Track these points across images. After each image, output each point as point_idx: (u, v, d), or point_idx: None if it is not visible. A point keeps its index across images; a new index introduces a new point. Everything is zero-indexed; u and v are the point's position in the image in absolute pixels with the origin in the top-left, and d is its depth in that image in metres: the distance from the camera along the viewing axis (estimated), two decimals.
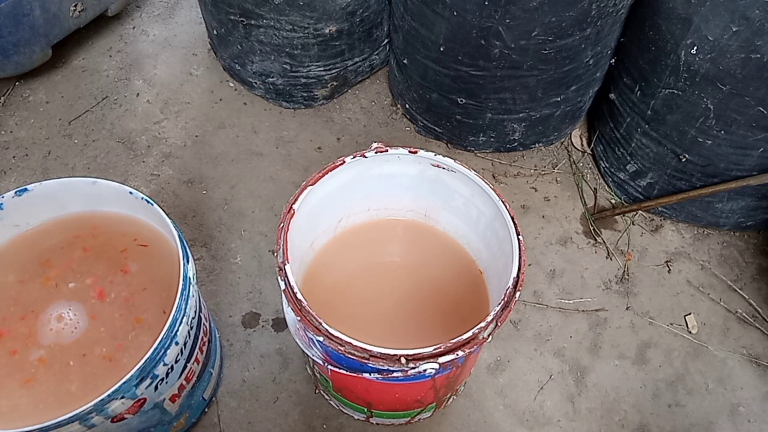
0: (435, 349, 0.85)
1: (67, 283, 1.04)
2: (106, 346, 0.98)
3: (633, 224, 1.59)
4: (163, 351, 0.89)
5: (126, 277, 1.05)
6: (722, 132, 1.34)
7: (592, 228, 1.57)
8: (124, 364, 0.96)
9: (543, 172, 1.67)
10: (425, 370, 0.86)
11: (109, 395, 0.82)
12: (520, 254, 0.95)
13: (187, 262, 0.96)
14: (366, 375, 0.91)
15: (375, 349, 0.84)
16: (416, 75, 1.59)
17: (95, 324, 1.01)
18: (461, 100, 1.55)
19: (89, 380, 0.95)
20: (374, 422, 1.25)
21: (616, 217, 1.60)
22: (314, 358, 0.96)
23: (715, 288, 1.50)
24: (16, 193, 1.01)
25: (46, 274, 1.05)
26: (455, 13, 1.35)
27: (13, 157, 1.62)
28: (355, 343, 0.85)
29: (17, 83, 1.76)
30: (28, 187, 1.01)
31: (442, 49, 1.45)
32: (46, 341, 0.99)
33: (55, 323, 1.01)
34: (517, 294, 0.91)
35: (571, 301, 1.45)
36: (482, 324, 0.87)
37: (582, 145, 1.73)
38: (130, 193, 1.01)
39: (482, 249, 1.16)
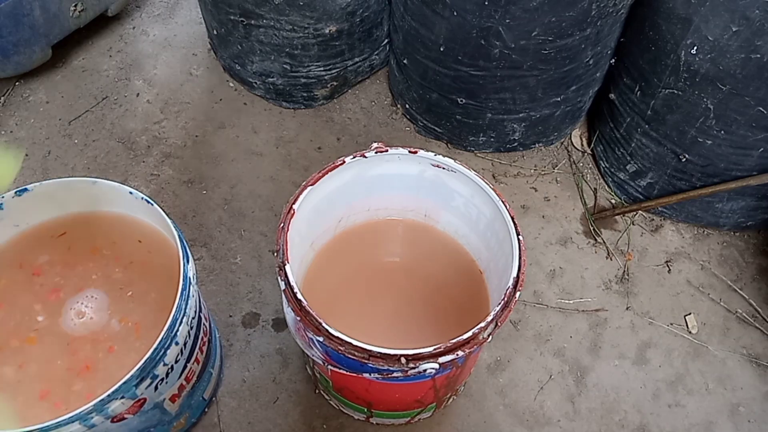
0: (435, 349, 0.85)
1: (36, 318, 1.05)
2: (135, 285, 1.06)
3: (633, 224, 1.59)
4: (163, 351, 0.89)
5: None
6: (722, 132, 1.34)
7: (592, 228, 1.57)
8: (155, 265, 1.07)
9: (543, 172, 1.67)
10: (425, 370, 0.86)
11: (109, 395, 0.82)
12: (520, 254, 0.95)
13: (187, 262, 0.96)
14: (366, 375, 0.91)
15: (375, 349, 0.84)
16: (416, 75, 1.59)
17: (110, 290, 1.06)
18: (461, 100, 1.54)
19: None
20: (374, 422, 1.25)
21: (616, 217, 1.60)
22: (314, 358, 0.96)
23: (715, 288, 1.50)
24: (16, 192, 1.01)
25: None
26: (455, 13, 1.35)
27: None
28: (355, 343, 0.85)
29: (17, 83, 1.76)
30: (28, 186, 1.01)
31: (442, 49, 1.45)
32: (111, 327, 1.03)
33: (80, 318, 1.03)
34: (517, 294, 0.91)
35: (571, 301, 1.45)
36: (482, 324, 0.87)
37: (582, 145, 1.73)
38: (130, 193, 1.01)
39: (482, 249, 1.15)
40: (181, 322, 0.92)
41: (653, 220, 1.60)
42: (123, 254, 1.09)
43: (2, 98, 1.73)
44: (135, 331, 1.02)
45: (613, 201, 1.64)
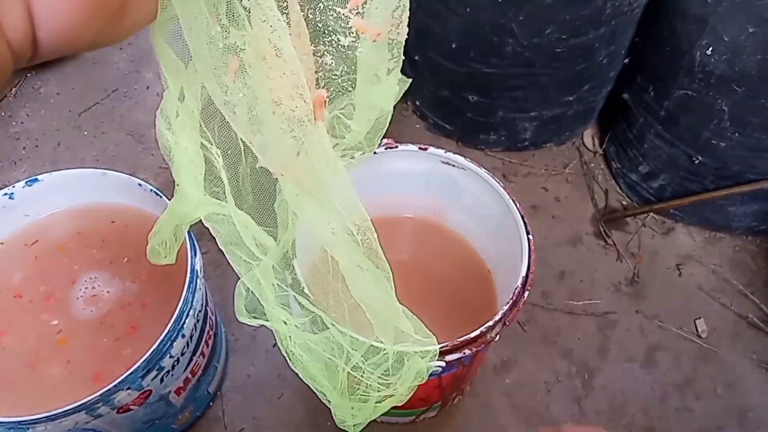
0: (442, 347, 0.85)
1: (50, 324, 1.04)
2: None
3: (644, 226, 1.57)
4: (169, 343, 0.89)
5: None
6: (736, 134, 1.32)
7: (602, 229, 1.55)
8: (134, 234, 1.09)
9: (554, 172, 1.66)
10: (431, 368, 0.86)
11: (115, 385, 0.82)
12: (529, 253, 0.94)
13: (195, 255, 0.95)
14: None
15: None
16: (427, 71, 1.58)
17: (102, 266, 1.06)
18: (473, 98, 1.53)
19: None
20: (379, 420, 1.24)
21: (627, 218, 1.58)
22: None
23: (726, 292, 1.48)
24: (26, 183, 1.01)
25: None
26: (468, 10, 1.34)
27: (24, 147, 1.62)
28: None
29: (29, 75, 1.77)
30: (38, 177, 1.01)
31: (454, 46, 1.44)
32: (129, 290, 1.05)
33: (96, 299, 1.03)
34: (526, 293, 0.90)
35: (579, 303, 1.44)
36: (490, 323, 0.86)
37: (594, 145, 1.72)
38: (139, 185, 1.01)
39: (491, 248, 1.15)
40: (188, 314, 0.92)
41: (665, 222, 1.59)
42: (91, 239, 1.10)
43: (14, 89, 1.73)
44: (150, 283, 1.05)
45: (624, 202, 1.62)
